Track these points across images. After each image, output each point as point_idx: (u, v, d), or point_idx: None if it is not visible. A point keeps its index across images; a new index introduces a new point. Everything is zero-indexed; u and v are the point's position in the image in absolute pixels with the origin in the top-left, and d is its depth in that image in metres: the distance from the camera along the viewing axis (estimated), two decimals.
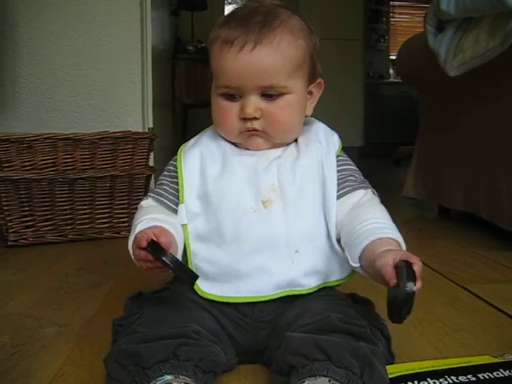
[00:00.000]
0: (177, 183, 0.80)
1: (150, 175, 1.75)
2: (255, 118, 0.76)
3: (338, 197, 0.79)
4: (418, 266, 0.62)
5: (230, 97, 0.77)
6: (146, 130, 1.92)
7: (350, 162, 0.84)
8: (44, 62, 1.97)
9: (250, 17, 0.75)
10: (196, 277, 0.68)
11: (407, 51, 2.17)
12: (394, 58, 5.29)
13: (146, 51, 2.04)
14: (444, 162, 1.97)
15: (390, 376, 0.66)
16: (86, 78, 1.99)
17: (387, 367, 0.66)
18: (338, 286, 0.80)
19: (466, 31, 1.51)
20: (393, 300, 0.60)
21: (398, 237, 0.71)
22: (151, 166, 1.76)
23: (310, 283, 0.76)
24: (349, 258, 0.72)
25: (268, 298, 0.74)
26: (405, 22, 6.03)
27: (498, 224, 1.59)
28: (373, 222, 0.73)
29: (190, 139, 0.87)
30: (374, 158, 4.72)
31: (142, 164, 1.71)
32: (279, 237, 0.75)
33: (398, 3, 6.03)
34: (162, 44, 2.59)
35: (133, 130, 1.73)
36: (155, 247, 0.66)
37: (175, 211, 0.79)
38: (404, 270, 0.61)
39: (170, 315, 0.69)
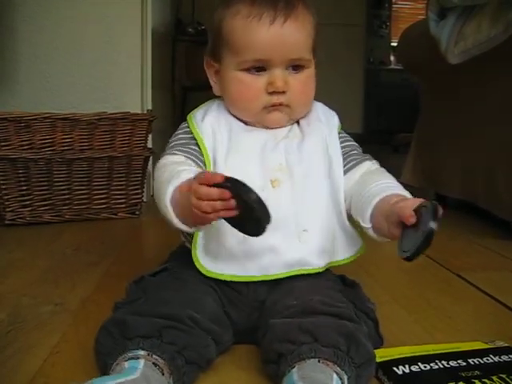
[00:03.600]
0: (197, 144, 0.78)
1: (148, 157, 1.74)
2: (283, 92, 0.76)
3: (346, 171, 0.80)
4: (440, 208, 0.63)
5: (256, 70, 0.76)
6: (145, 112, 1.91)
7: (351, 139, 0.86)
8: (43, 42, 1.96)
9: None
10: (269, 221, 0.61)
11: (408, 38, 2.16)
12: (395, 44, 5.27)
13: (146, 32, 2.02)
14: (443, 149, 1.98)
15: (381, 360, 0.67)
16: (85, 58, 1.98)
17: (378, 351, 0.67)
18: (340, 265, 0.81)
19: (468, 19, 1.50)
20: (411, 237, 0.62)
21: (409, 194, 0.73)
22: (149, 148, 1.75)
23: (319, 263, 0.77)
24: (360, 220, 0.74)
25: (277, 277, 0.75)
26: (407, 9, 5.98)
27: (494, 213, 1.59)
28: (382, 183, 0.75)
29: (193, 110, 0.84)
30: (373, 145, 4.70)
31: (140, 145, 1.71)
32: (288, 216, 0.75)
33: None
34: (163, 25, 2.57)
35: (131, 112, 1.73)
36: (235, 182, 0.60)
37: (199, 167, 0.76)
38: (429, 208, 0.61)
39: (172, 298, 0.69)
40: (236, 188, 0.59)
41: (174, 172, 0.70)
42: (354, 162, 0.81)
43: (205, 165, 0.77)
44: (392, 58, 5.79)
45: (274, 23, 0.73)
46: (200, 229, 0.70)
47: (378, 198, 0.72)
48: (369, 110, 4.82)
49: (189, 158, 0.77)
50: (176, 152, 0.78)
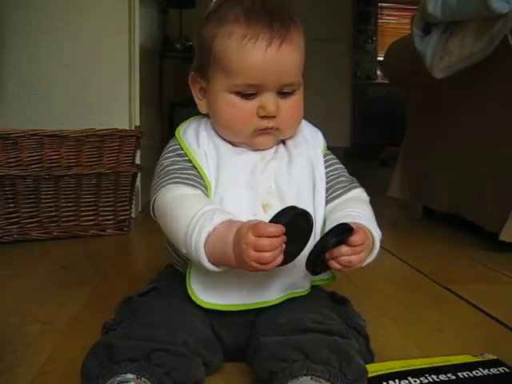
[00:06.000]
0: (194, 168, 0.76)
1: (137, 173, 1.74)
2: (273, 116, 0.75)
3: (333, 198, 0.80)
4: (358, 236, 0.66)
5: (246, 95, 0.74)
6: (133, 128, 1.92)
7: (337, 161, 0.85)
8: (30, 58, 1.96)
9: (264, 12, 0.73)
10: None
11: (394, 53, 2.19)
12: (381, 59, 5.32)
13: (134, 48, 2.03)
14: (429, 162, 1.99)
15: (371, 375, 0.67)
16: (72, 75, 1.98)
17: (368, 366, 0.67)
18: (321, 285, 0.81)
19: (452, 34, 1.53)
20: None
21: (372, 226, 0.73)
22: (137, 164, 1.75)
23: (307, 284, 0.77)
24: None
25: (272, 303, 0.74)
26: (393, 24, 6.06)
27: (481, 225, 1.61)
28: (348, 211, 0.75)
29: (179, 127, 0.82)
30: (361, 159, 4.74)
31: (128, 162, 1.70)
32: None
33: (386, 5, 6.05)
34: (150, 41, 2.58)
35: (119, 128, 1.73)
36: (291, 222, 0.62)
37: (206, 194, 0.74)
38: (339, 228, 0.66)
39: (162, 321, 0.68)
40: (290, 228, 0.61)
41: (200, 213, 0.67)
42: (341, 190, 0.81)
43: (206, 188, 0.75)
44: (378, 73, 5.85)
45: (270, 46, 0.71)
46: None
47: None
48: (356, 124, 4.85)
49: (197, 187, 0.74)
50: (181, 181, 0.74)
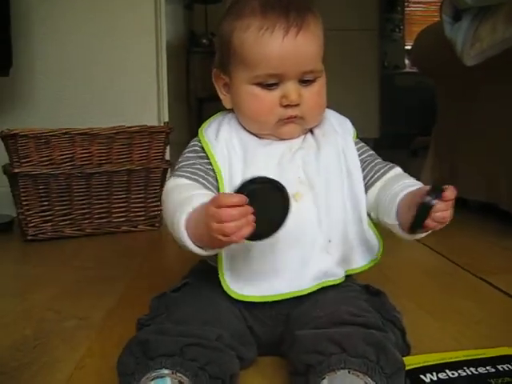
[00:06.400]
0: (209, 163, 0.77)
1: (167, 169, 1.75)
2: (297, 104, 0.75)
3: (376, 179, 0.80)
4: (449, 190, 0.66)
5: (268, 85, 0.74)
6: (162, 124, 1.93)
7: (368, 147, 0.85)
8: (60, 58, 1.98)
9: (280, 3, 0.73)
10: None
11: (423, 41, 2.15)
12: (409, 47, 5.23)
13: (161, 45, 2.04)
14: (462, 151, 1.96)
15: (408, 368, 0.66)
16: (101, 73, 2.00)
17: (405, 358, 0.66)
18: (355, 274, 0.81)
19: (483, 20, 1.49)
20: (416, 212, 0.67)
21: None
22: (167, 160, 1.76)
23: (341, 272, 0.76)
24: (387, 220, 0.75)
25: (306, 292, 0.74)
26: (420, 12, 5.96)
27: None
28: (405, 182, 0.77)
29: (203, 124, 0.83)
30: (390, 150, 4.67)
31: (158, 158, 1.72)
32: (313, 229, 0.74)
33: None
34: (177, 38, 2.59)
35: (149, 124, 1.74)
36: (253, 192, 0.59)
37: (208, 189, 0.75)
38: (434, 188, 0.67)
39: (195, 316, 0.69)
40: (255, 198, 0.59)
41: (184, 197, 0.69)
42: (382, 170, 0.81)
43: (217, 182, 0.75)
44: (406, 62, 5.76)
45: (287, 35, 0.72)
46: (216, 251, 0.69)
47: (402, 194, 0.74)
48: (385, 114, 4.79)
49: (196, 179, 0.75)
50: (183, 174, 0.76)
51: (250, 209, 0.59)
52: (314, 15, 0.76)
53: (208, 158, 0.77)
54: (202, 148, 0.79)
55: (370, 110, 4.38)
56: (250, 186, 0.60)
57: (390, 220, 0.74)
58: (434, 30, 1.92)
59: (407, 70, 5.76)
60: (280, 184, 0.62)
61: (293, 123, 0.77)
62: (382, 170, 0.81)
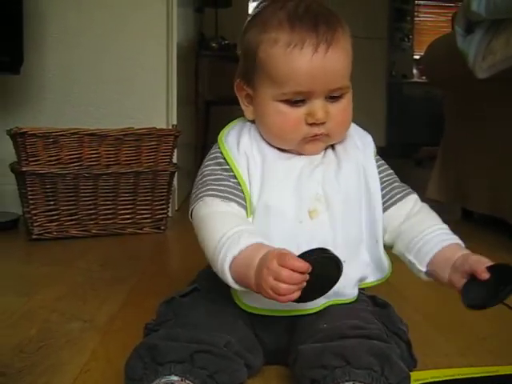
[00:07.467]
0: (233, 176, 0.75)
1: (174, 172, 1.75)
2: (322, 123, 0.73)
3: (390, 205, 0.79)
4: None
5: (294, 102, 0.72)
6: (170, 127, 1.93)
7: (388, 166, 0.84)
8: (70, 59, 1.99)
9: (309, 15, 0.71)
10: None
11: (434, 52, 2.15)
12: (417, 57, 5.24)
13: (172, 48, 2.04)
14: (469, 163, 1.95)
15: (415, 383, 0.66)
16: (111, 74, 2.01)
17: (412, 373, 0.66)
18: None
19: (497, 33, 1.49)
20: (478, 290, 0.67)
21: (461, 242, 0.76)
22: (175, 163, 1.76)
23: (354, 292, 0.76)
24: (415, 263, 0.75)
25: (316, 310, 0.73)
26: (430, 22, 5.96)
27: None
28: (437, 229, 0.76)
29: (222, 131, 0.80)
30: (396, 159, 4.68)
31: (165, 161, 1.72)
32: (327, 247, 0.74)
33: (422, 2, 5.95)
34: (187, 41, 2.59)
35: (157, 127, 1.74)
36: (319, 262, 0.60)
37: (242, 206, 0.74)
38: (506, 271, 0.67)
39: (204, 322, 0.69)
40: (315, 269, 0.60)
41: (228, 233, 0.67)
42: (399, 195, 0.80)
43: (244, 199, 0.74)
44: (414, 71, 5.76)
45: (316, 52, 0.69)
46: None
47: (440, 247, 0.73)
48: (391, 123, 4.80)
49: (228, 198, 0.73)
50: (214, 193, 0.73)
51: (307, 277, 0.59)
52: (343, 28, 0.74)
53: (232, 171, 0.75)
54: (224, 158, 0.77)
55: (376, 118, 4.38)
56: (314, 255, 0.61)
57: (421, 266, 0.74)
58: (445, 41, 1.92)
59: (415, 79, 5.77)
60: (340, 263, 0.62)
61: (317, 140, 0.75)
62: (398, 196, 0.80)
